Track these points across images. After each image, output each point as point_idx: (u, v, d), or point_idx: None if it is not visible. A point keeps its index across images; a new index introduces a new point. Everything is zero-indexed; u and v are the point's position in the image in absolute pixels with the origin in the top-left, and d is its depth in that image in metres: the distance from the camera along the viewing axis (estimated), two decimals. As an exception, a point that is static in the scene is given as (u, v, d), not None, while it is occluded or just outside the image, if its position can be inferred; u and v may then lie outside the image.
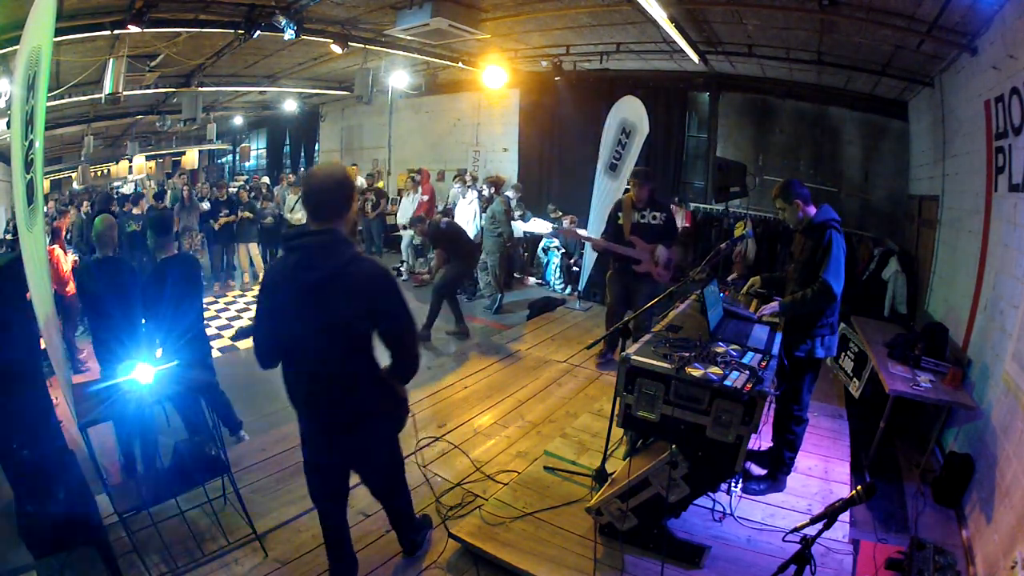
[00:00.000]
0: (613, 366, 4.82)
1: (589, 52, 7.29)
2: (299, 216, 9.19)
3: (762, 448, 3.34)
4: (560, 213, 8.49)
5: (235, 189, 10.48)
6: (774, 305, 3.03)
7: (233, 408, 3.82)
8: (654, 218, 4.63)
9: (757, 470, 3.27)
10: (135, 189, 15.18)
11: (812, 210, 3.01)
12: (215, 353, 4.09)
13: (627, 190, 5.26)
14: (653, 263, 4.61)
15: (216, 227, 7.95)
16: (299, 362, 2.01)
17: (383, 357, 2.07)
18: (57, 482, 2.45)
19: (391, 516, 2.48)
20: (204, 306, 3.76)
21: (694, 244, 7.55)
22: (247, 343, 6.18)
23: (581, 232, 5.64)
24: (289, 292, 1.92)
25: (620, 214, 4.71)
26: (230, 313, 7.24)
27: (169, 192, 9.99)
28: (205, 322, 3.76)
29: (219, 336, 6.33)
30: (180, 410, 3.39)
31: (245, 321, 6.96)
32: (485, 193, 7.89)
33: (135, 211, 7.68)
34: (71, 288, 5.14)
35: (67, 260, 5.31)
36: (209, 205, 8.41)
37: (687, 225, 7.70)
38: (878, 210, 7.04)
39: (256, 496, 3.01)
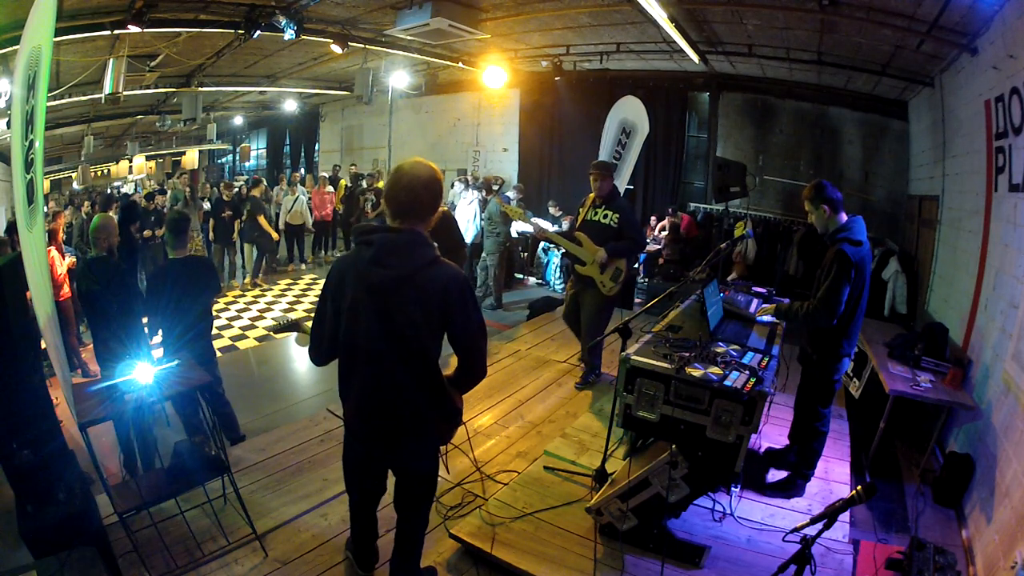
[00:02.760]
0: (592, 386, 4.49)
1: (589, 52, 7.30)
2: (298, 218, 9.21)
3: (765, 447, 3.35)
4: (561, 212, 8.50)
5: (235, 189, 10.49)
6: (772, 306, 3.06)
7: (236, 418, 3.80)
8: (606, 217, 4.16)
9: (774, 475, 3.26)
10: (135, 189, 15.19)
11: (842, 218, 2.84)
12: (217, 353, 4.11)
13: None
14: (596, 267, 4.13)
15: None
16: (360, 360, 1.92)
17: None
18: (57, 482, 2.45)
19: (399, 538, 2.33)
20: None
21: (700, 249, 7.50)
22: (249, 343, 6.18)
23: (537, 222, 5.33)
24: (356, 289, 1.84)
25: (581, 209, 4.39)
26: (230, 313, 7.24)
27: (170, 192, 9.97)
28: (211, 322, 3.77)
29: (219, 336, 6.33)
30: (180, 411, 3.39)
31: (273, 318, 6.95)
32: (481, 195, 7.89)
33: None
34: (65, 292, 5.13)
35: (63, 263, 5.30)
36: (209, 205, 8.41)
37: (683, 232, 7.68)
38: (878, 210, 7.05)
39: (256, 496, 3.00)
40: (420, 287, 1.80)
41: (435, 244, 1.93)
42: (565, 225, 8.29)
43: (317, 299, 2.08)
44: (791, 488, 3.11)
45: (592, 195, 4.29)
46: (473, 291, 1.93)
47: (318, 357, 2.03)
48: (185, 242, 3.61)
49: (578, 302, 4.36)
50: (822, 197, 2.83)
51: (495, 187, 7.90)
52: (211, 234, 8.22)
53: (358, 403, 2.00)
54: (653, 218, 8.14)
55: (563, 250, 8.01)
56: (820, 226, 2.91)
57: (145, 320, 3.49)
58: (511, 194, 8.41)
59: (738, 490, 3.06)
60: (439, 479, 3.20)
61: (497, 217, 7.03)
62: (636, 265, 6.62)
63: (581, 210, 4.36)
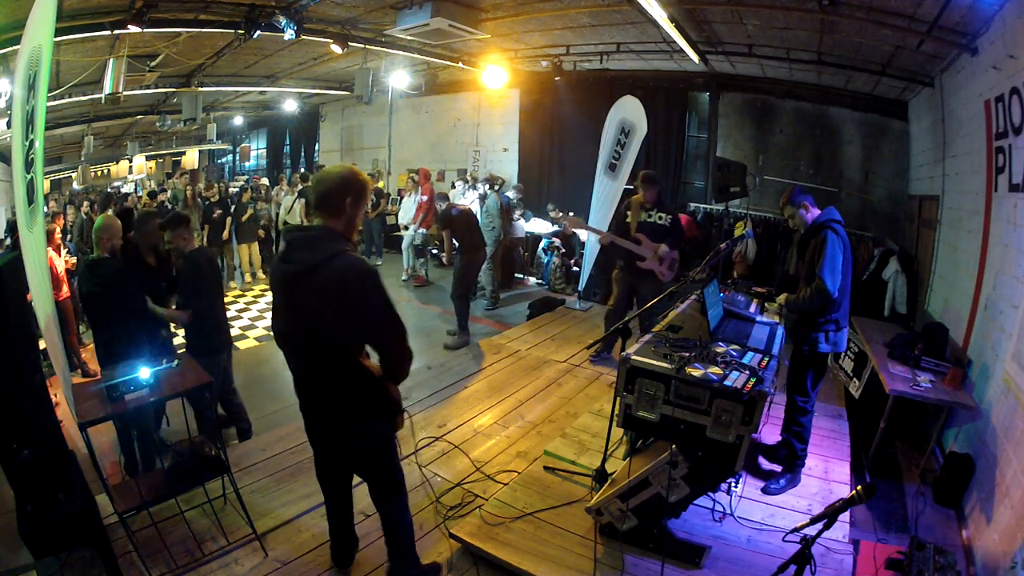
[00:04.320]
0: (608, 363, 4.96)
1: (589, 52, 7.29)
2: (296, 217, 9.20)
3: (764, 442, 3.37)
4: (560, 213, 8.49)
5: (236, 189, 10.50)
6: (779, 299, 3.13)
7: (245, 411, 3.88)
8: (660, 218, 4.86)
9: (767, 466, 3.30)
10: (135, 189, 15.19)
11: (816, 212, 3.13)
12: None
13: (629, 190, 5.30)
14: (656, 260, 4.79)
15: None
16: (291, 355, 2.10)
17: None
18: (57, 482, 2.45)
19: (385, 529, 2.37)
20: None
21: (700, 249, 7.47)
22: (249, 343, 6.18)
23: (588, 225, 5.68)
24: (275, 285, 2.02)
25: (628, 212, 4.95)
26: (230, 313, 7.24)
27: (170, 192, 9.98)
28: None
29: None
30: (195, 407, 3.39)
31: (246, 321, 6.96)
32: (482, 190, 7.90)
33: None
34: (64, 292, 5.12)
35: (60, 262, 5.30)
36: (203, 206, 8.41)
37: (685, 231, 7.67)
38: (878, 210, 7.04)
39: (256, 496, 3.01)
40: (318, 279, 1.88)
41: (348, 239, 1.98)
42: (565, 225, 8.30)
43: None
44: (791, 473, 3.19)
45: (638, 199, 4.96)
46: (377, 280, 1.92)
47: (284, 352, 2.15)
48: (191, 235, 3.64)
49: (630, 295, 5.01)
50: (797, 199, 3.15)
51: (496, 186, 7.90)
52: (204, 235, 8.24)
53: (297, 390, 2.16)
54: None
55: (563, 251, 8.12)
56: (802, 223, 3.17)
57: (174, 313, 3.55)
58: (511, 194, 8.41)
59: (738, 490, 3.06)
60: (438, 479, 3.22)
61: (495, 212, 7.03)
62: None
63: (631, 213, 4.96)
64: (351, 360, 2.01)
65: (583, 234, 7.45)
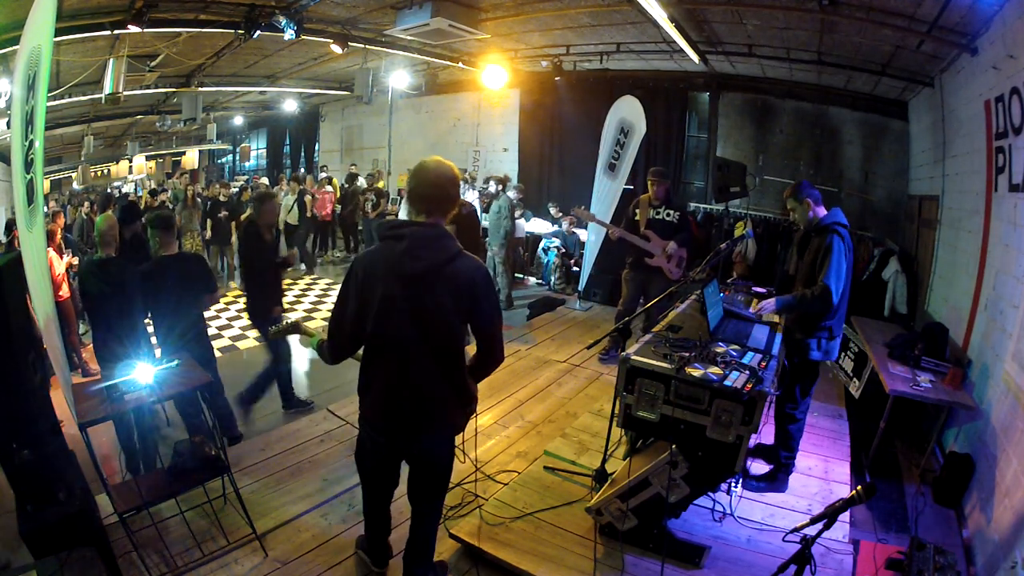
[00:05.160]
0: (616, 362, 4.90)
1: (589, 52, 7.29)
2: (294, 217, 9.20)
3: (762, 444, 3.36)
4: (561, 214, 8.50)
5: (235, 189, 10.50)
6: (771, 302, 3.05)
7: (234, 418, 3.83)
8: (668, 215, 4.92)
9: (758, 468, 3.28)
10: (135, 189, 15.20)
11: (822, 211, 3.05)
12: (216, 353, 4.12)
13: (628, 190, 5.30)
14: (665, 257, 4.88)
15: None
16: (388, 351, 1.97)
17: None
18: (57, 482, 2.45)
19: (414, 530, 2.34)
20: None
21: (700, 249, 7.44)
22: (249, 343, 6.18)
23: (599, 219, 5.68)
24: (390, 280, 1.89)
25: (637, 211, 5.00)
26: (230, 313, 7.23)
27: (170, 192, 9.98)
28: (206, 323, 3.77)
29: (219, 336, 6.33)
30: (181, 410, 3.40)
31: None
32: (492, 189, 7.81)
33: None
34: (64, 292, 5.12)
35: (60, 263, 5.30)
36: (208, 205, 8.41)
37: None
38: (878, 210, 7.04)
39: (256, 496, 3.00)
40: (450, 277, 1.90)
41: (455, 239, 1.99)
42: (565, 225, 8.30)
43: (317, 300, 2.12)
44: (772, 480, 3.14)
45: (646, 196, 5.00)
46: (492, 280, 2.04)
47: (338, 355, 2.07)
48: (172, 240, 3.59)
49: (641, 291, 5.01)
50: (804, 192, 3.04)
51: (499, 187, 7.85)
52: (208, 234, 8.23)
53: (384, 394, 2.02)
54: None
55: (563, 250, 8.12)
56: (803, 220, 3.09)
57: (148, 319, 3.51)
58: (511, 194, 8.39)
59: (738, 490, 3.06)
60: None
61: (505, 211, 7.00)
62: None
63: (639, 210, 4.98)
64: (463, 361, 2.04)
65: (583, 234, 7.45)
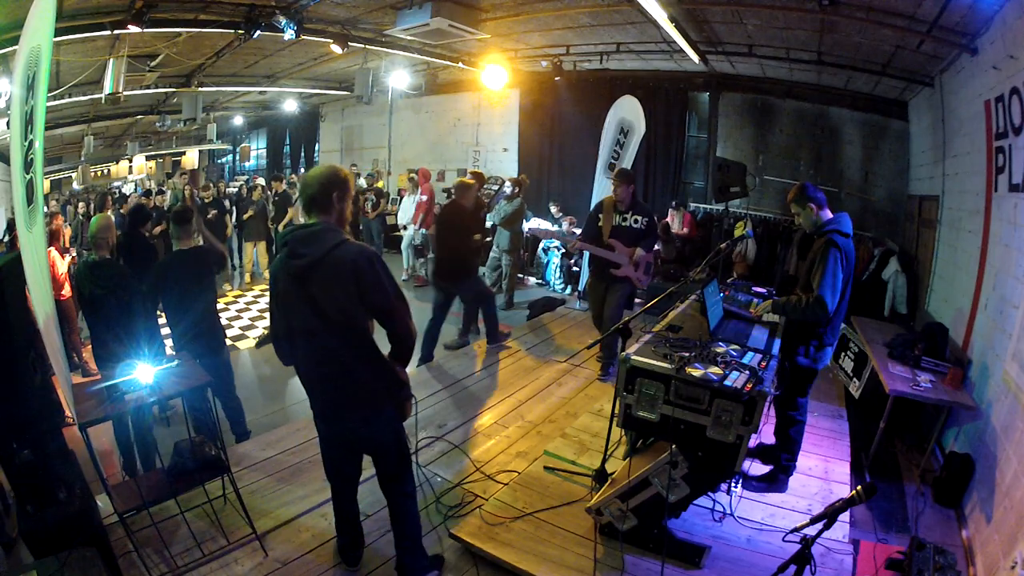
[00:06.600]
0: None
1: (589, 52, 7.29)
2: (300, 217, 9.15)
3: (763, 444, 3.36)
4: (562, 213, 8.49)
5: (234, 189, 10.49)
6: (768, 302, 3.07)
7: (243, 413, 3.87)
8: (635, 221, 4.47)
9: (758, 468, 3.28)
10: (135, 189, 15.20)
11: (827, 214, 2.96)
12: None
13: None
14: (632, 266, 4.51)
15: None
16: (303, 346, 2.12)
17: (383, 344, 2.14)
18: (57, 482, 2.45)
19: (393, 518, 2.41)
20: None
21: (700, 249, 7.44)
22: (249, 344, 6.18)
23: (552, 230, 5.56)
24: (284, 282, 2.06)
25: (600, 216, 4.54)
26: (230, 313, 7.24)
27: (170, 192, 9.95)
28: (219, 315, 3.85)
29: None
30: (188, 407, 3.39)
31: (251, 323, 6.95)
32: (507, 191, 7.72)
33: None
34: (66, 292, 5.12)
35: (63, 262, 5.30)
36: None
37: (685, 231, 7.67)
38: (878, 210, 7.05)
39: (256, 496, 3.00)
40: (331, 265, 2.00)
41: (341, 232, 2.07)
42: (565, 225, 8.29)
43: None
44: (772, 481, 3.14)
45: (610, 200, 4.53)
46: (383, 262, 2.08)
47: (281, 356, 2.24)
48: (190, 233, 3.67)
49: (601, 303, 4.68)
50: (808, 196, 2.96)
51: (515, 189, 7.79)
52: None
53: (309, 382, 2.20)
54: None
55: (563, 251, 8.11)
56: (808, 224, 3.02)
57: (161, 313, 3.55)
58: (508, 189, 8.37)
59: (738, 490, 3.06)
60: (438, 479, 3.22)
61: (521, 214, 6.96)
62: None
63: (603, 216, 4.53)
64: (370, 342, 2.12)
65: None
